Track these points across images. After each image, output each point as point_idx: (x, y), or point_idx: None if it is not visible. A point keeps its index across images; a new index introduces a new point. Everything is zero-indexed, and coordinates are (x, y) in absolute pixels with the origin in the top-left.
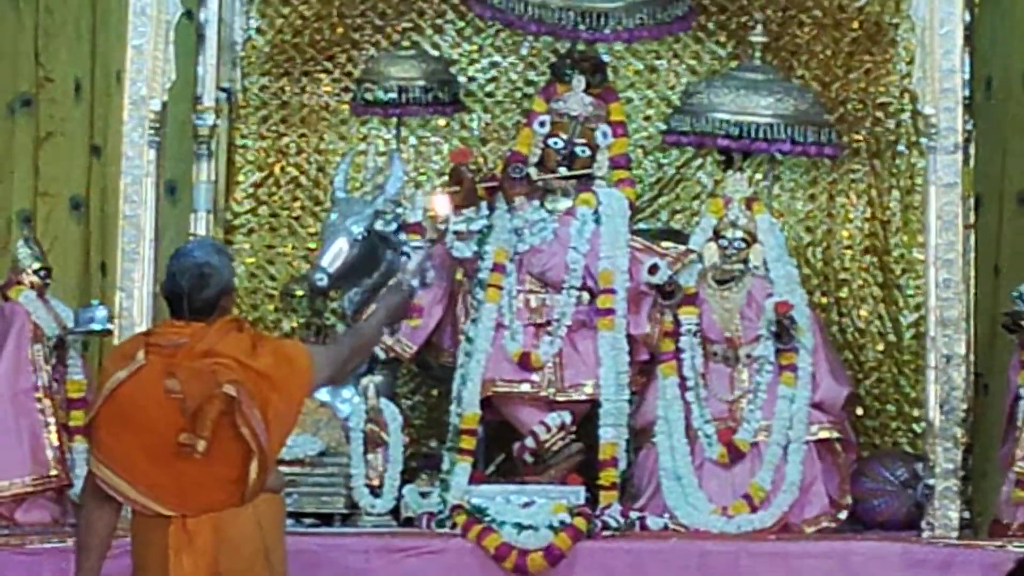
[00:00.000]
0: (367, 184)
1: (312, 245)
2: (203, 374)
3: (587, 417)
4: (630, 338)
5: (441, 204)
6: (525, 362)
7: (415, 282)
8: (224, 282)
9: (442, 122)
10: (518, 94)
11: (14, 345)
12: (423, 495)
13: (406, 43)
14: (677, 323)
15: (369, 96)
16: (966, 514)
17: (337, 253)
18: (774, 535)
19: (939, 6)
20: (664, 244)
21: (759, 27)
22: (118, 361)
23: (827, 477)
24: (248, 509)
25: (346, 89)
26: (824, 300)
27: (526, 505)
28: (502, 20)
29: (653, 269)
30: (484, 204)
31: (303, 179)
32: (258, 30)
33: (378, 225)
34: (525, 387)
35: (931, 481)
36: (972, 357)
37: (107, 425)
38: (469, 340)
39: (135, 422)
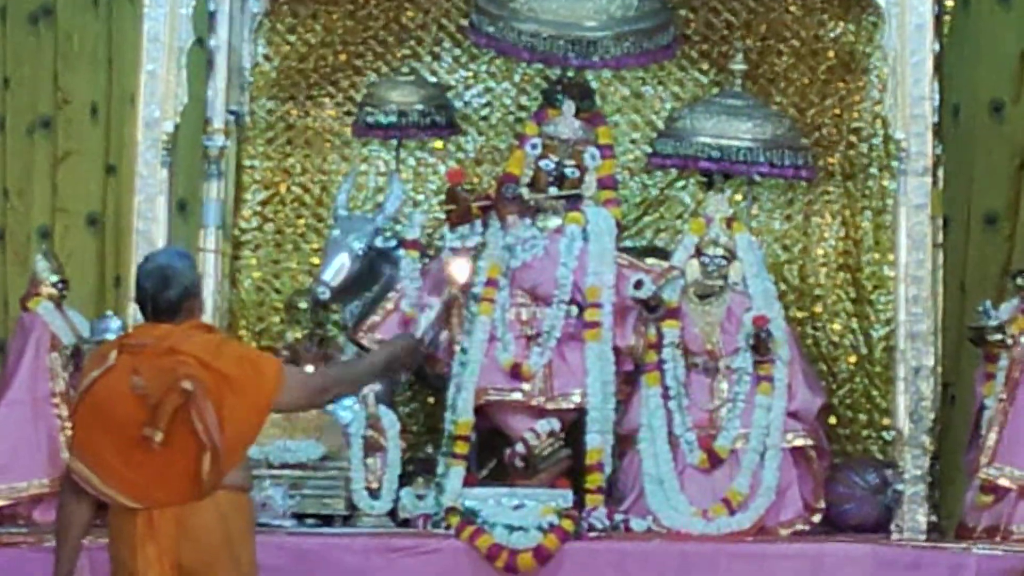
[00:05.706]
0: (368, 203)
1: (315, 260)
2: (164, 370)
3: (575, 424)
4: (616, 349)
5: (459, 269)
6: (516, 372)
7: (427, 337)
8: (186, 283)
9: (439, 144)
10: (511, 118)
11: (33, 353)
12: (419, 497)
13: (405, 69)
14: (660, 336)
15: (370, 119)
16: (933, 518)
17: (339, 268)
18: (751, 537)
19: (910, 36)
20: (649, 261)
21: (739, 56)
22: (94, 361)
23: (802, 482)
24: (209, 503)
25: (348, 113)
26: (800, 314)
27: (517, 507)
28: (496, 48)
29: (638, 284)
30: (479, 222)
31: (307, 197)
32: (265, 56)
33: (378, 241)
34: (516, 396)
35: (900, 487)
36: (939, 369)
37: (81, 421)
38: (463, 351)
39: (104, 417)
